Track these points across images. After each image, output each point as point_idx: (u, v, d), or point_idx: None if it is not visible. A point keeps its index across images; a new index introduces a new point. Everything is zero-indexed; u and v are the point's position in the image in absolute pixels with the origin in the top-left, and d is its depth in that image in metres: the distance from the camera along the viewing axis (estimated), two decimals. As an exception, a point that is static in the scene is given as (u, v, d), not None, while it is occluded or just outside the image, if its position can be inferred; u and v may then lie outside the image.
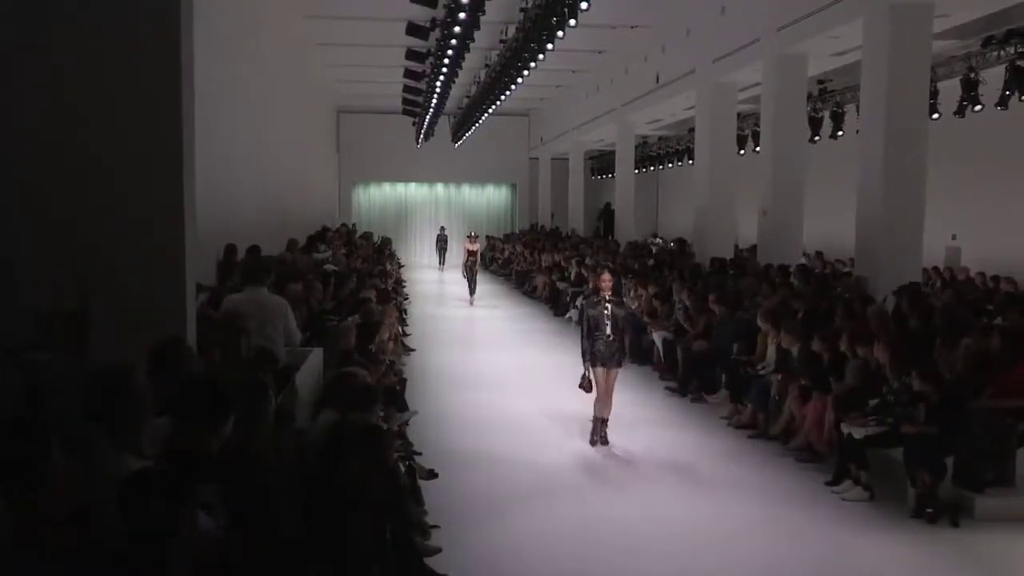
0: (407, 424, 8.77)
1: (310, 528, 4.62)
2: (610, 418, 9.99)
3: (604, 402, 9.87)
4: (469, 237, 25.09)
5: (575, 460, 9.39)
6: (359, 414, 5.74)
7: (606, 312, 9.73)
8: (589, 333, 9.80)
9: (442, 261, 36.10)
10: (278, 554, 4.07)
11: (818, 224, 21.29)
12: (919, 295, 11.45)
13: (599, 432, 9.93)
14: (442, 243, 36.71)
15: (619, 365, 9.93)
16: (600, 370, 9.78)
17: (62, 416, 4.21)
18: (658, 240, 28.49)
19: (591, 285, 19.08)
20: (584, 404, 10.14)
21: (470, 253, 24.17)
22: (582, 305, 10.32)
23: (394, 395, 9.34)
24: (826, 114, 21.32)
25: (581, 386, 9.92)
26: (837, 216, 19.66)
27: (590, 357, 9.80)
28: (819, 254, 21.48)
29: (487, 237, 34.99)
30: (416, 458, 8.43)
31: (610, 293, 9.90)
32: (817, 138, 21.46)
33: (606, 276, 10.14)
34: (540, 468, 9.09)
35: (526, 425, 10.84)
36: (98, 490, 3.58)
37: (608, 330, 9.71)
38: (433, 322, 20.13)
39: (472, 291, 23.93)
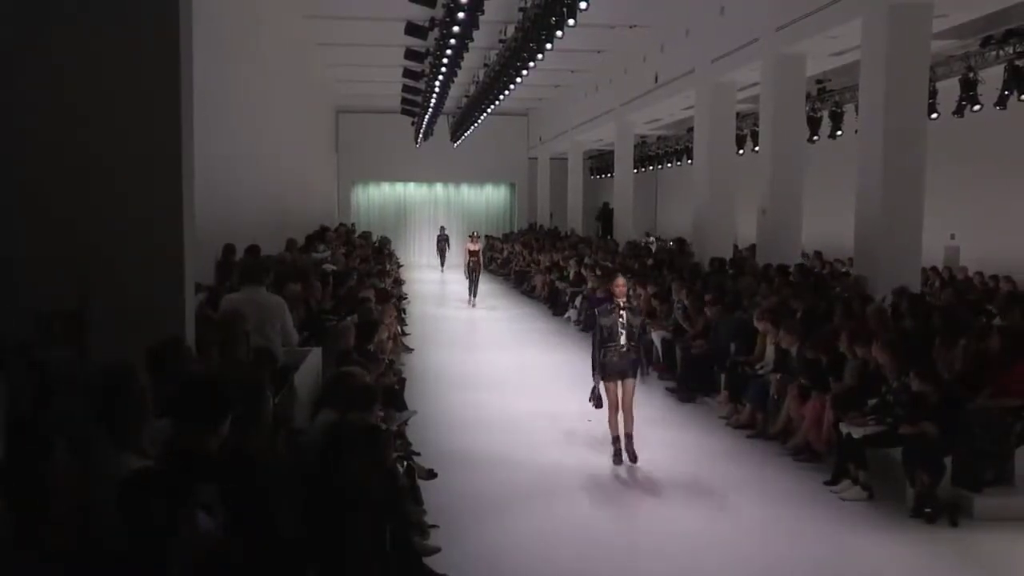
0: (406, 424, 8.77)
1: (309, 528, 4.62)
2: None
3: (623, 416, 9.15)
4: (471, 237, 24.64)
5: (574, 460, 9.38)
6: (358, 414, 5.75)
7: (620, 320, 8.99)
8: (601, 343, 9.06)
9: (443, 262, 35.56)
10: (277, 554, 4.07)
11: (817, 224, 21.31)
12: (916, 297, 11.46)
13: (628, 448, 9.15)
14: (442, 243, 36.18)
15: (635, 376, 9.17)
16: (612, 384, 9.10)
17: (65, 415, 4.22)
18: (651, 239, 28.47)
19: (588, 285, 19.13)
20: (582, 403, 10.08)
21: (472, 254, 23.65)
22: (594, 313, 9.44)
23: (393, 395, 9.34)
24: (825, 114, 21.33)
25: (590, 400, 9.30)
26: (836, 216, 19.66)
27: (600, 369, 9.11)
28: (818, 254, 21.47)
29: (486, 236, 34.86)
30: (415, 458, 8.44)
31: (624, 299, 9.16)
32: (816, 138, 21.46)
33: (620, 281, 9.32)
34: (539, 468, 9.09)
35: (525, 425, 10.84)
36: (98, 490, 3.58)
37: (623, 340, 8.99)
38: (432, 322, 20.13)
39: (473, 293, 23.52)
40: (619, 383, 9.10)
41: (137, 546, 3.36)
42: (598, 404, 9.22)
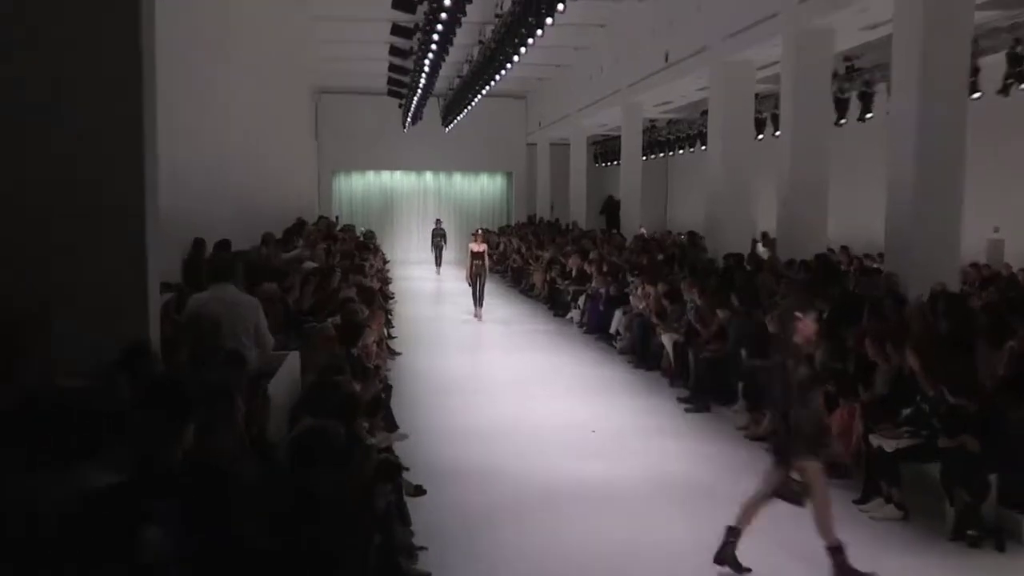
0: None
1: (284, 549, 4.58)
2: (615, 429, 9.69)
3: (819, 517, 6.84)
4: (475, 236, 22.64)
5: (578, 473, 9.35)
6: (336, 423, 5.71)
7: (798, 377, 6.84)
8: (784, 410, 6.87)
9: (439, 261, 34.43)
10: (246, 573, 4.05)
11: (844, 216, 21.26)
12: (953, 296, 11.40)
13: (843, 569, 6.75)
14: (438, 239, 35.00)
15: (796, 456, 6.88)
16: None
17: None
18: (642, 230, 28.44)
19: (592, 283, 19.08)
20: (585, 411, 10.01)
21: (476, 255, 21.41)
22: (752, 363, 7.18)
23: (379, 404, 9.30)
24: (853, 95, 21.25)
25: (793, 499, 6.91)
26: (865, 207, 19.61)
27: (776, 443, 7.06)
28: (845, 249, 21.43)
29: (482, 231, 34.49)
30: (402, 473, 8.39)
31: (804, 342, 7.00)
32: (843, 121, 21.39)
33: (808, 322, 6.98)
34: (539, 482, 9.06)
35: (524, 435, 10.82)
36: (59, 509, 3.55)
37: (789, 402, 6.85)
38: (420, 323, 20.12)
39: (478, 302, 21.47)
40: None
41: (94, 570, 3.33)
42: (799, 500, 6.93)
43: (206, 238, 12.81)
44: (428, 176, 39.79)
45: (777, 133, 20.74)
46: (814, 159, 15.69)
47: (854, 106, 21.30)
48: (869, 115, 20.80)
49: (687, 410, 12.14)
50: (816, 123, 15.84)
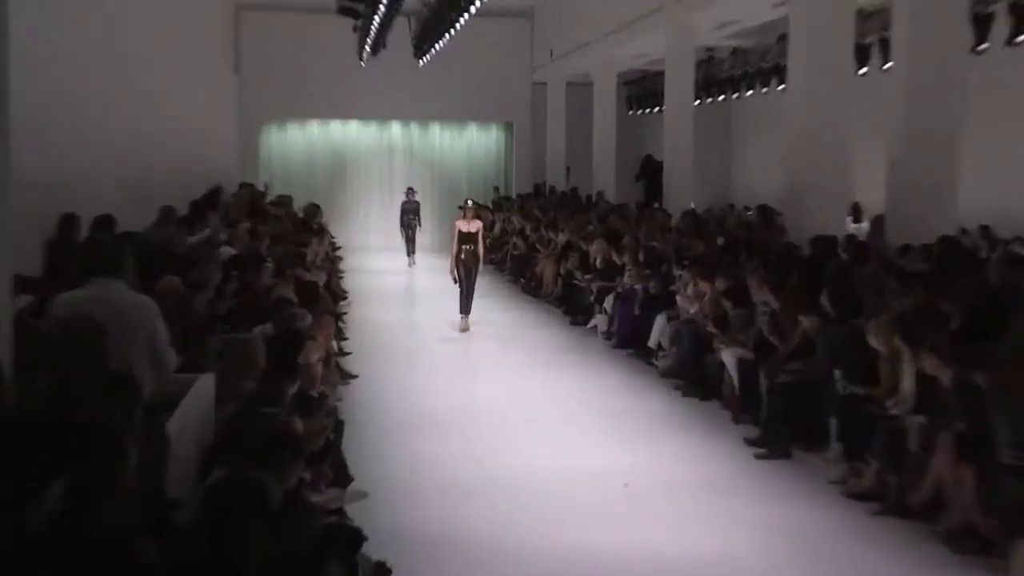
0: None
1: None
2: (656, 484, 9.69)
3: None
4: (463, 210, 21.99)
5: (605, 547, 9.35)
6: (264, 472, 5.72)
7: None
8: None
9: (411, 246, 34.43)
10: None
11: (983, 182, 21.20)
12: None
13: None
14: (409, 217, 34.81)
15: None
16: None
17: None
18: (693, 205, 28.55)
19: (625, 278, 19.01)
20: (616, 457, 9.97)
21: (465, 237, 20.96)
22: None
23: (328, 448, 9.32)
24: (1000, 8, 21.09)
25: None
26: (1014, 169, 19.55)
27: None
28: (984, 229, 21.41)
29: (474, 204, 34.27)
30: (360, 544, 8.40)
31: None
32: (985, 46, 21.24)
33: None
34: (550, 559, 9.09)
35: (528, 492, 10.86)
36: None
37: None
38: (385, 333, 20.17)
39: (466, 307, 21.05)
40: None
41: None
42: None
43: (79, 212, 12.80)
44: (395, 128, 39.74)
45: (888, 65, 20.75)
46: (940, 101, 15.62)
47: (1000, 25, 21.12)
48: (1021, 38, 20.65)
49: (758, 456, 12.14)
50: (943, 50, 15.76)
